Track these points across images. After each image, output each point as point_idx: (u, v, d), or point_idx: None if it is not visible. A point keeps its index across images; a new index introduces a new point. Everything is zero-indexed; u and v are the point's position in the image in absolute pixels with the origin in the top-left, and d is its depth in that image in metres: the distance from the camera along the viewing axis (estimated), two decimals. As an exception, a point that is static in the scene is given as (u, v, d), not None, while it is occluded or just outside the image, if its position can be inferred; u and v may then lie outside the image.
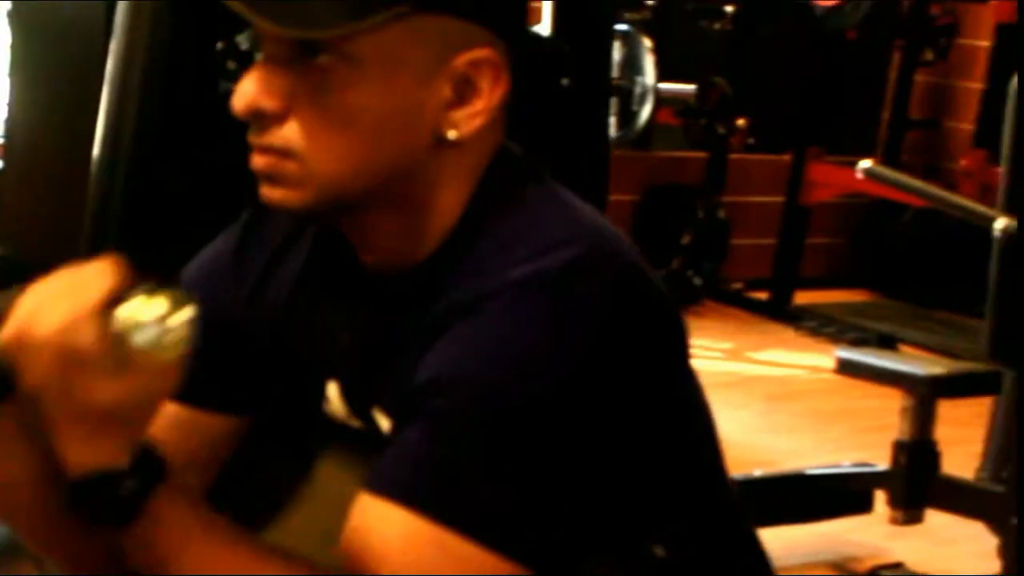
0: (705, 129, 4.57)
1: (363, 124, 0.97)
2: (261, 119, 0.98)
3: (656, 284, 1.00)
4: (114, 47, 1.45)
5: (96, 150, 1.49)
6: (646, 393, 0.98)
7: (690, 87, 4.49)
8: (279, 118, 0.98)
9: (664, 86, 4.34)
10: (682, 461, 1.06)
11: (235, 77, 1.53)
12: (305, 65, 0.97)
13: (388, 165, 0.99)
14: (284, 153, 0.98)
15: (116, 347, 0.91)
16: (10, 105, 2.00)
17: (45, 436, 0.95)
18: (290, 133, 0.98)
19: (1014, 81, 2.45)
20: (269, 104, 0.98)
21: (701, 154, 4.72)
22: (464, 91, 0.99)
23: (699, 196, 4.61)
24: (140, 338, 0.90)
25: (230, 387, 1.13)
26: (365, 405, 1.07)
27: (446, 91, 0.98)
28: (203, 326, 1.12)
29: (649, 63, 4.18)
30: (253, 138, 1.00)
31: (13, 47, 2.00)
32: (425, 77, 0.98)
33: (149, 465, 0.94)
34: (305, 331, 1.10)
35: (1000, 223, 2.37)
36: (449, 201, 1.01)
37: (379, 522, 0.95)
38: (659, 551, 1.01)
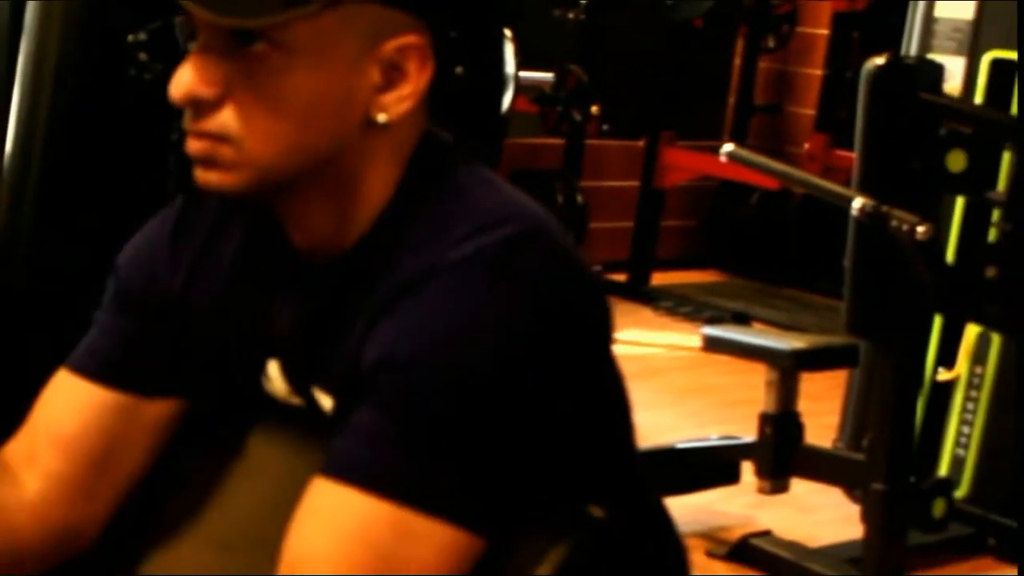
0: (561, 115, 4.65)
1: (296, 108, 1.01)
2: (197, 106, 1.02)
3: (586, 265, 1.05)
4: (25, 44, 1.45)
5: (8, 147, 1.49)
6: (582, 366, 1.03)
7: (547, 75, 4.57)
8: (215, 105, 1.01)
9: (523, 74, 4.40)
10: (610, 430, 1.12)
11: (147, 69, 1.55)
12: (240, 53, 1.01)
13: (320, 147, 1.03)
14: (220, 138, 1.02)
15: None
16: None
17: None
18: (226, 119, 1.01)
19: (867, 65, 2.56)
20: (205, 91, 1.01)
21: (558, 140, 4.80)
22: (392, 76, 1.03)
23: (557, 181, 4.69)
24: None
25: (167, 371, 1.15)
26: (305, 384, 1.11)
27: (375, 76, 1.03)
28: (141, 312, 1.15)
29: (509, 51, 4.24)
30: (189, 124, 1.03)
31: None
32: (355, 63, 1.02)
33: None
34: (244, 312, 1.12)
35: (857, 202, 2.47)
36: (379, 183, 1.06)
37: (334, 505, 0.98)
38: (597, 512, 1.06)
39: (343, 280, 1.07)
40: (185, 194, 1.17)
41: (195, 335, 1.14)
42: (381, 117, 1.03)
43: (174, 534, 1.17)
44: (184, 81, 1.01)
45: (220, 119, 1.01)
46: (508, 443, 0.99)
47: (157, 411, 1.15)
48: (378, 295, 1.02)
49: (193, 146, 1.03)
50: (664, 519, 1.20)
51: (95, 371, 1.15)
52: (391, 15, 1.03)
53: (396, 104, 1.04)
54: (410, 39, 1.03)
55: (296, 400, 1.13)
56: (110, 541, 1.17)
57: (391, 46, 1.03)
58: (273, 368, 1.13)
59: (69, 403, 1.15)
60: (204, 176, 1.04)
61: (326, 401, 1.09)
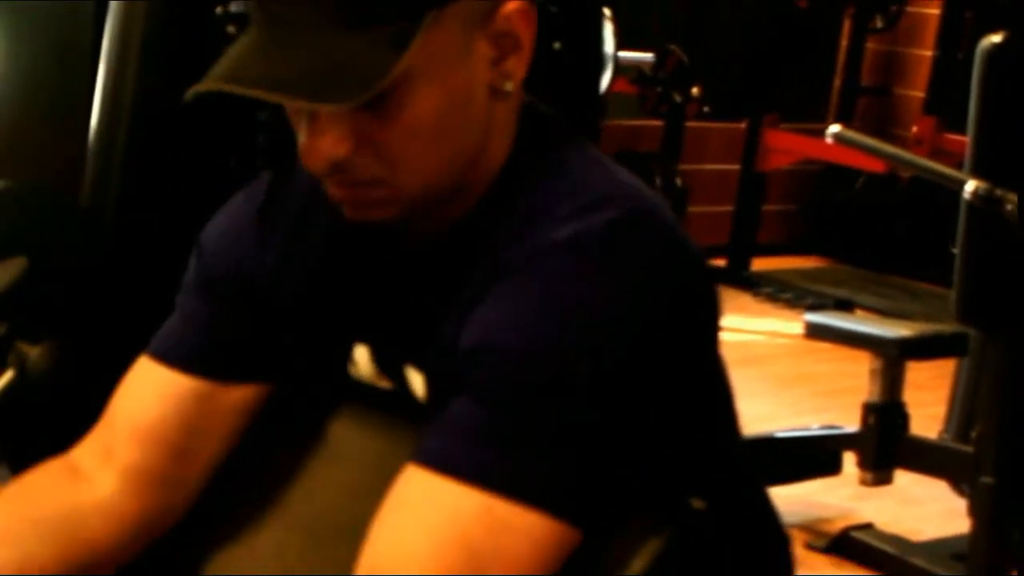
0: (661, 97, 4.57)
1: (431, 129, 0.97)
2: (338, 167, 0.98)
3: (693, 247, 1.00)
4: (111, 18, 1.43)
5: (93, 122, 1.47)
6: (685, 353, 0.98)
7: (647, 55, 4.50)
8: (353, 158, 0.98)
9: (622, 54, 4.34)
10: (713, 418, 1.07)
11: (235, 42, 1.51)
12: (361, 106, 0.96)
13: (468, 144, 1.00)
14: (371, 183, 0.99)
15: None
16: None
17: None
18: (370, 164, 0.98)
19: (983, 44, 2.47)
20: (341, 151, 0.97)
21: (657, 122, 4.73)
22: (504, 44, 0.99)
23: (656, 164, 4.62)
24: None
25: (251, 357, 1.12)
26: (398, 363, 1.07)
27: (489, 51, 0.99)
28: (225, 296, 1.12)
29: (608, 31, 4.18)
30: (337, 185, 0.99)
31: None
32: (466, 53, 0.98)
33: None
34: (336, 292, 1.09)
35: (970, 185, 2.38)
36: (495, 152, 1.02)
37: (425, 495, 0.94)
38: (698, 504, 1.01)
39: (443, 260, 1.03)
40: (274, 170, 1.13)
41: (282, 316, 1.11)
42: (508, 86, 0.99)
43: (256, 519, 1.14)
44: (316, 150, 0.97)
45: (365, 167, 0.98)
46: (607, 432, 0.95)
47: (239, 397, 1.12)
48: (477, 278, 0.99)
49: (340, 193, 1.00)
50: (768, 510, 1.15)
51: (176, 358, 1.12)
52: None
53: (517, 69, 1.00)
54: (514, 3, 0.99)
55: (384, 383, 1.09)
56: (184, 526, 1.14)
57: (500, 16, 0.98)
58: (361, 350, 1.09)
59: (149, 392, 1.12)
60: (358, 215, 1.01)
61: (417, 381, 1.06)
